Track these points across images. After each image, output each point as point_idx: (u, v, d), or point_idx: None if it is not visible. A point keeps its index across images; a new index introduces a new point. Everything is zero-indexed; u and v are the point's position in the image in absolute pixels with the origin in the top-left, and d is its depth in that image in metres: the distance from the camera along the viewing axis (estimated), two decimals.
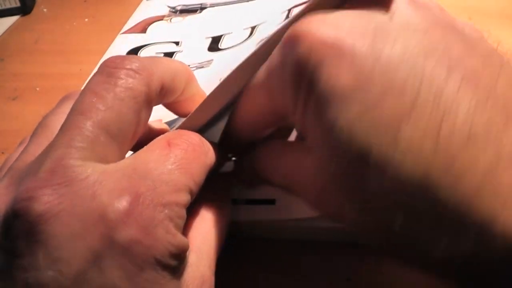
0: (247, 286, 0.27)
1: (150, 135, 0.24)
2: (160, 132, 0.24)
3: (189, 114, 0.24)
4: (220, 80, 0.34)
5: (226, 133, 0.24)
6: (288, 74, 0.19)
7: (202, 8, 0.50)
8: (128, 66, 0.21)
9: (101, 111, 0.19)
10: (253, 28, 0.43)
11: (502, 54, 0.19)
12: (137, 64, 0.21)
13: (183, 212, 0.20)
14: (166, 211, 0.18)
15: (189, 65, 0.40)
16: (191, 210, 0.22)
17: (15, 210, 0.17)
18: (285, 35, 0.20)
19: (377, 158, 0.17)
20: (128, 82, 0.20)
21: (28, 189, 0.17)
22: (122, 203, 0.18)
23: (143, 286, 0.17)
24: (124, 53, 0.44)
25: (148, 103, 0.21)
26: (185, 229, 0.20)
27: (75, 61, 0.48)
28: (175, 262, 0.19)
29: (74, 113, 0.20)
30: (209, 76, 0.37)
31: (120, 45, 0.45)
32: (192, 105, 0.26)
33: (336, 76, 0.17)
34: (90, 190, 0.18)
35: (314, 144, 0.20)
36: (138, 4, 0.53)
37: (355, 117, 0.17)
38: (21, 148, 0.23)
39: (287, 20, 0.21)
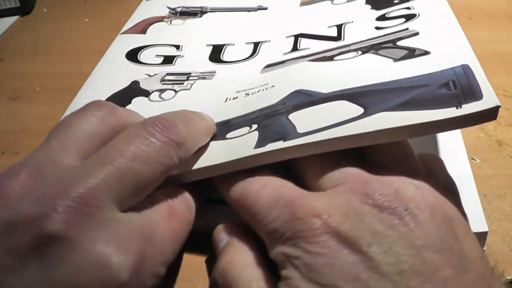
0: None
1: None
2: None
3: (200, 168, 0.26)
4: (226, 100, 0.34)
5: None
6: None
7: (202, 12, 0.50)
8: (173, 137, 0.23)
9: (139, 163, 0.22)
10: (256, 45, 0.43)
11: (498, 275, 0.20)
12: (178, 136, 0.24)
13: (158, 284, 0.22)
14: (153, 279, 0.21)
15: (190, 73, 0.40)
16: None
17: (29, 219, 0.18)
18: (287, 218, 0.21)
19: None
20: (167, 151, 0.23)
21: (53, 205, 0.19)
22: (128, 260, 0.19)
23: None
24: (124, 53, 0.44)
25: (176, 169, 0.24)
26: None
27: (75, 61, 0.48)
28: None
29: (120, 152, 0.22)
30: (212, 93, 0.37)
31: (120, 46, 0.45)
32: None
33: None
34: (104, 234, 0.19)
35: None
36: (138, 4, 0.53)
37: None
38: None
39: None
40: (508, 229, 0.28)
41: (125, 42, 0.45)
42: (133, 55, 0.43)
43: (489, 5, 0.51)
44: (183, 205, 0.25)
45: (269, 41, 0.43)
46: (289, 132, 0.26)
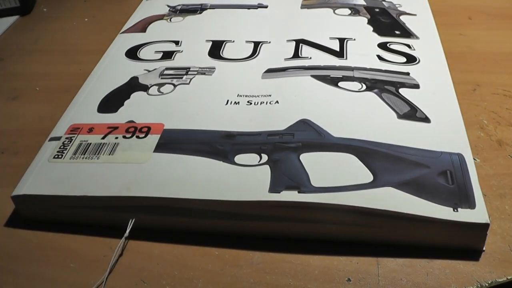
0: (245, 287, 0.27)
1: None
2: None
3: None
4: (227, 102, 0.35)
5: None
6: None
7: (202, 9, 0.50)
8: None
9: None
10: (256, 45, 0.43)
11: None
12: None
13: None
14: None
15: (189, 68, 0.40)
16: None
17: None
18: None
19: None
20: None
21: None
22: None
23: None
24: (123, 52, 0.44)
25: None
26: None
27: (75, 61, 0.48)
28: None
29: None
30: (212, 90, 0.37)
31: (120, 45, 0.45)
32: None
33: None
34: None
35: None
36: (138, 4, 0.53)
37: None
38: None
39: None
40: (508, 229, 0.28)
41: (125, 41, 0.45)
42: (132, 53, 0.43)
43: (489, 5, 0.51)
44: None
45: (270, 42, 0.43)
46: (303, 181, 0.28)
